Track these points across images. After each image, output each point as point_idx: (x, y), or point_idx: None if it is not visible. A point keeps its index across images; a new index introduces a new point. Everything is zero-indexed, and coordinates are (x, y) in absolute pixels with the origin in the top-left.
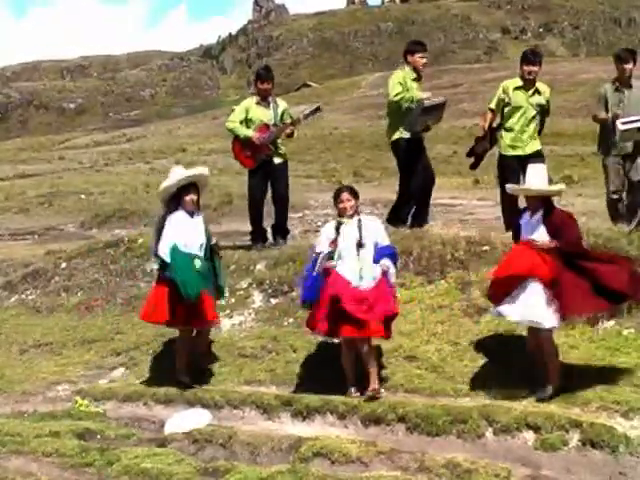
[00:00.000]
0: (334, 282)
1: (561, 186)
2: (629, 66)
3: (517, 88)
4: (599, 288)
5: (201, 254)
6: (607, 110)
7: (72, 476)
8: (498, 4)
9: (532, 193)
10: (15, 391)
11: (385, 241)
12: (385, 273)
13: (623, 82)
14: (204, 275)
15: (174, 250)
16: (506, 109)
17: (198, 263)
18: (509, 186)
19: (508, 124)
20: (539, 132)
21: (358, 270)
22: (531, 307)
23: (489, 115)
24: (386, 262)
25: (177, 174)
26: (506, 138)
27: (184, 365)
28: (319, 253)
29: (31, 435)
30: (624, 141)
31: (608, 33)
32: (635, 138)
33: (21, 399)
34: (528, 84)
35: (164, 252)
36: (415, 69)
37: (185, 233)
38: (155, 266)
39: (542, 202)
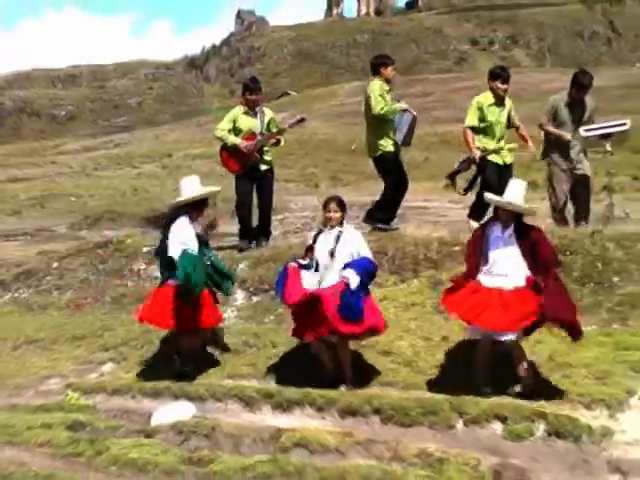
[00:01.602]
0: (290, 286)
1: (537, 206)
2: (584, 82)
3: (491, 105)
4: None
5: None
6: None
7: (63, 466)
8: (467, 17)
9: (514, 209)
10: (8, 385)
11: (364, 252)
12: (346, 283)
13: (575, 100)
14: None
15: (185, 251)
16: (482, 124)
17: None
18: (490, 196)
19: (488, 137)
20: None
21: (319, 278)
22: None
23: (471, 133)
24: (346, 272)
25: (192, 189)
26: (489, 146)
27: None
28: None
29: (24, 427)
30: (586, 148)
31: (571, 45)
32: (596, 146)
33: (14, 393)
34: (500, 100)
35: (176, 252)
36: (387, 80)
37: (188, 238)
38: (156, 273)
39: (515, 217)
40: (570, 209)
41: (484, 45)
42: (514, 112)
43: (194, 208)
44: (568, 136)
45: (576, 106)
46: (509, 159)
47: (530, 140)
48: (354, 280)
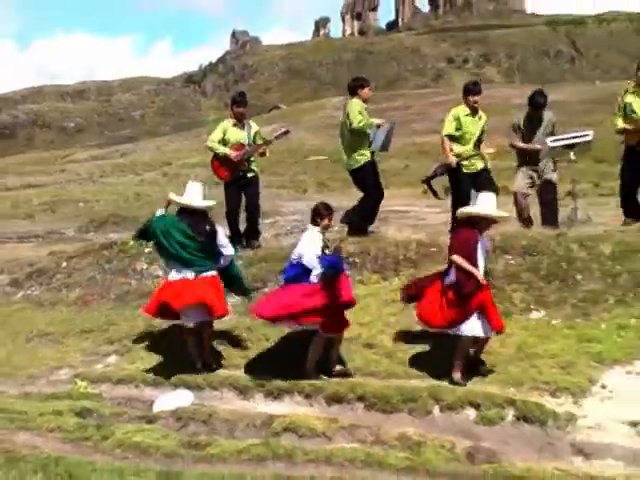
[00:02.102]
0: None
1: (506, 213)
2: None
3: (466, 115)
4: None
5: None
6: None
7: (72, 449)
8: (444, 38)
9: (498, 218)
10: (21, 375)
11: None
12: None
13: (534, 114)
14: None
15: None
16: (457, 133)
17: None
18: (468, 209)
19: (462, 146)
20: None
21: None
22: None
23: (448, 141)
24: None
25: (195, 198)
26: (464, 154)
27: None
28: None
29: (36, 413)
30: (552, 157)
31: (538, 63)
32: (561, 155)
33: (27, 382)
34: (474, 111)
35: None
36: (364, 100)
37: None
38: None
39: (489, 226)
40: (535, 213)
41: (459, 63)
42: (486, 127)
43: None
44: (538, 146)
45: (534, 121)
46: (480, 165)
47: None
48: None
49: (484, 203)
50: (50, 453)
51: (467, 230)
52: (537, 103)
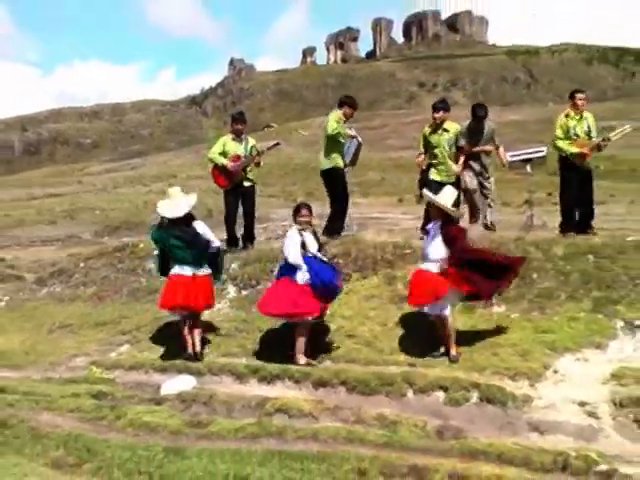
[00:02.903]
0: None
1: (461, 212)
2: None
3: (431, 132)
4: (490, 272)
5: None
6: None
7: (89, 427)
8: (416, 65)
9: (437, 205)
10: (44, 362)
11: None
12: None
13: (475, 127)
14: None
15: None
16: (428, 148)
17: None
18: (425, 191)
19: (432, 160)
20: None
21: None
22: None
23: (421, 156)
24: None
25: (170, 209)
26: (432, 169)
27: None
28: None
29: (57, 396)
30: (511, 169)
31: (498, 88)
32: (519, 168)
33: (49, 368)
34: (438, 127)
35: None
36: (345, 115)
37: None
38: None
39: (442, 216)
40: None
41: (429, 87)
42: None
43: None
44: (490, 148)
45: (476, 129)
46: (446, 178)
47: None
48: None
49: (441, 194)
50: (70, 431)
51: (453, 225)
52: (477, 114)
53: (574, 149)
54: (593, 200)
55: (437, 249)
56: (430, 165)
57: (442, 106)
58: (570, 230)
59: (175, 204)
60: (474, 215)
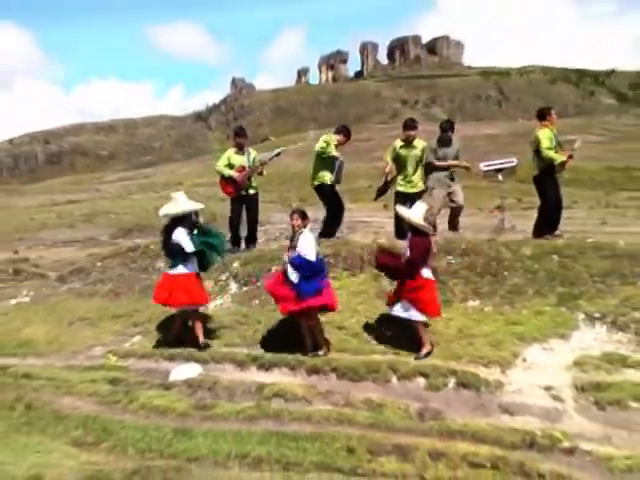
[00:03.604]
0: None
1: (429, 228)
2: (449, 132)
3: (401, 147)
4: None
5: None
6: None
7: (105, 410)
8: (399, 84)
9: (409, 221)
10: (66, 351)
11: (302, 252)
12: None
13: (445, 141)
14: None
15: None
16: (397, 161)
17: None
18: (398, 208)
19: (400, 172)
20: (426, 172)
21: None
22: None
23: (388, 165)
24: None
25: (182, 204)
26: (400, 181)
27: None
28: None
29: (77, 381)
30: (486, 178)
31: (473, 105)
32: (492, 176)
33: (70, 356)
34: (408, 143)
35: (191, 247)
36: (338, 142)
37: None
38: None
39: (411, 228)
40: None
41: (411, 104)
42: (427, 152)
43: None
44: (454, 162)
45: (443, 141)
46: (416, 188)
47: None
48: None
49: (414, 212)
50: (88, 413)
51: (420, 237)
52: (442, 127)
53: (561, 157)
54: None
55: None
56: (397, 177)
57: (414, 125)
58: (553, 230)
59: (168, 207)
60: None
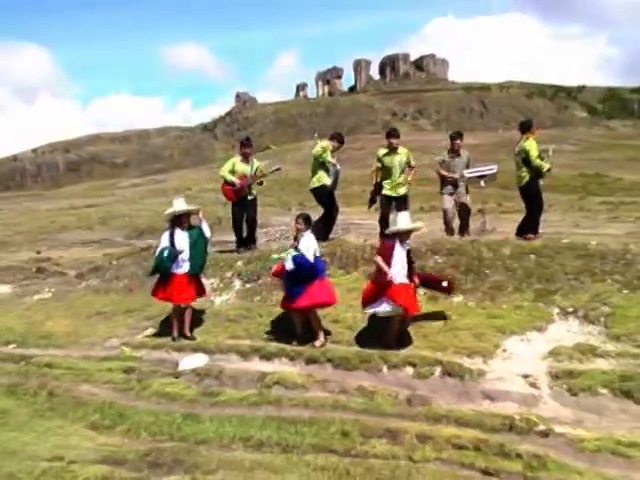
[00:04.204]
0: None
1: (420, 224)
2: (457, 142)
3: (385, 154)
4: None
5: (186, 252)
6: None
7: (120, 396)
8: (390, 97)
9: (404, 231)
10: (84, 342)
11: (303, 251)
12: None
13: (454, 152)
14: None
15: (163, 250)
16: (382, 168)
17: (166, 252)
18: (393, 229)
19: (385, 177)
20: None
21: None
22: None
23: (375, 169)
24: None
25: (177, 205)
26: (385, 185)
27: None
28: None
29: (94, 370)
30: (469, 183)
31: (457, 117)
32: (474, 182)
33: (88, 348)
34: (392, 150)
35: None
36: (334, 148)
37: (178, 241)
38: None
39: (408, 236)
40: (456, 226)
41: (401, 116)
42: (411, 158)
43: (183, 218)
44: (456, 175)
45: (453, 153)
46: (401, 192)
47: (410, 176)
48: (288, 267)
49: (402, 221)
50: (105, 399)
51: (387, 241)
52: (452, 137)
53: (547, 165)
54: None
55: (404, 264)
56: (382, 181)
57: (397, 134)
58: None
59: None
60: (450, 229)
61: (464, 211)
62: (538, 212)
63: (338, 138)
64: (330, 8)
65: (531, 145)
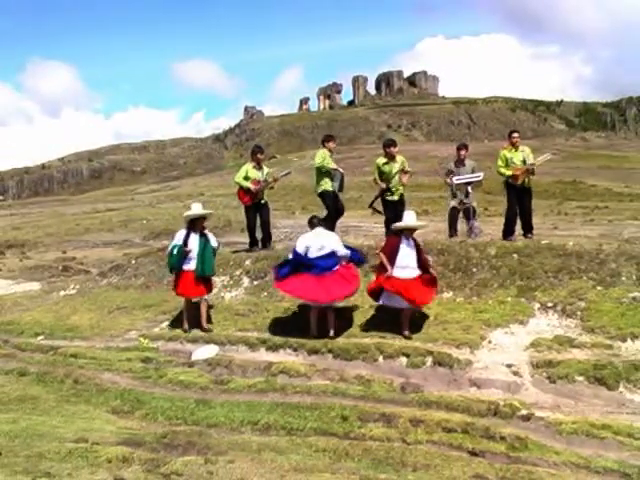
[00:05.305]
0: None
1: (424, 222)
2: (463, 152)
3: (384, 163)
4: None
5: (195, 251)
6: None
7: (139, 384)
8: (385, 111)
9: (411, 227)
10: (105, 334)
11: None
12: None
13: (460, 161)
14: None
15: (173, 247)
16: (382, 175)
17: (175, 250)
18: (399, 225)
19: (386, 182)
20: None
21: None
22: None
23: (379, 183)
24: None
25: (195, 209)
26: (387, 190)
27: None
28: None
29: (115, 359)
30: (458, 190)
31: (447, 129)
32: (461, 189)
33: (109, 339)
34: (390, 159)
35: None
36: (330, 150)
37: (190, 241)
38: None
39: (413, 232)
40: (463, 227)
41: (395, 128)
42: (407, 164)
43: (198, 221)
44: (452, 181)
45: (461, 165)
46: (398, 195)
47: (406, 178)
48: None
49: (407, 218)
50: (125, 386)
51: (392, 237)
52: (458, 148)
53: (508, 172)
54: (531, 213)
55: (412, 259)
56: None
57: (394, 143)
58: (511, 235)
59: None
60: (454, 230)
61: (470, 214)
62: (507, 215)
63: (328, 138)
64: (331, 29)
65: (501, 153)
